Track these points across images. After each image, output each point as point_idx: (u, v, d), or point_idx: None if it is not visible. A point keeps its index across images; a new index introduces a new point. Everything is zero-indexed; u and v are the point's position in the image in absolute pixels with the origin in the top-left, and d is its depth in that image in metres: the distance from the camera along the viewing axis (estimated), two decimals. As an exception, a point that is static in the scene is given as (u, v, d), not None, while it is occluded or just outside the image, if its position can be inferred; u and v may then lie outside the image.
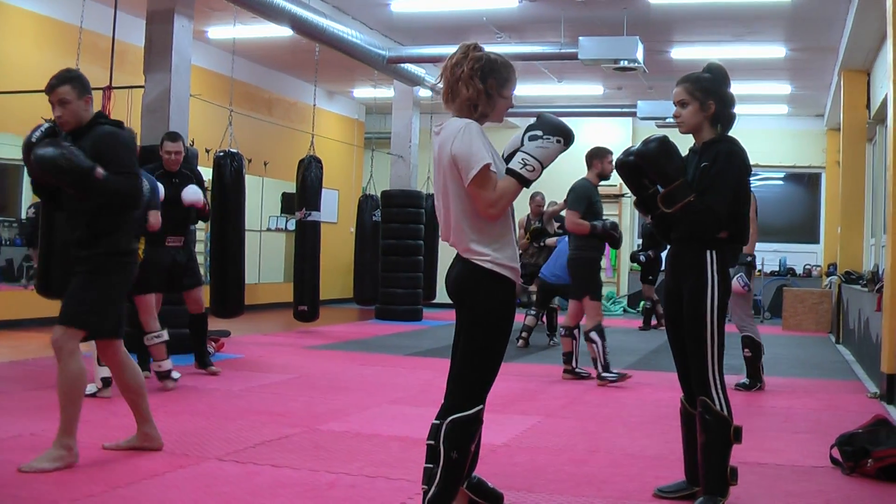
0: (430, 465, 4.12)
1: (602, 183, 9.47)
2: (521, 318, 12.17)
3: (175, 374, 8.45)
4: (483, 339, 4.18)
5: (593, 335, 9.40)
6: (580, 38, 13.78)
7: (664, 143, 4.85)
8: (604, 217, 9.49)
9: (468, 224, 4.18)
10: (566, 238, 10.28)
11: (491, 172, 4.07)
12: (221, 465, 5.63)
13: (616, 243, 9.55)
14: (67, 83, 5.52)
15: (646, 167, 4.82)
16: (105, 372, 7.90)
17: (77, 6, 11.01)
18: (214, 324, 9.90)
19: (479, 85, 4.17)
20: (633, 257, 17.00)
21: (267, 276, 19.91)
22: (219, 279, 11.01)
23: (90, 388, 7.91)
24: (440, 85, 4.32)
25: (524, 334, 12.98)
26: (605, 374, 9.47)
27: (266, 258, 20.04)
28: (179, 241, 8.96)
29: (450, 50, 4.29)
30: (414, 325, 16.48)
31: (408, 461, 5.76)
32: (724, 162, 4.81)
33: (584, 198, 9.38)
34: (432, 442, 4.13)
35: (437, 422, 4.15)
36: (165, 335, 8.42)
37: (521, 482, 5.45)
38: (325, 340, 13.39)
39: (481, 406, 4.17)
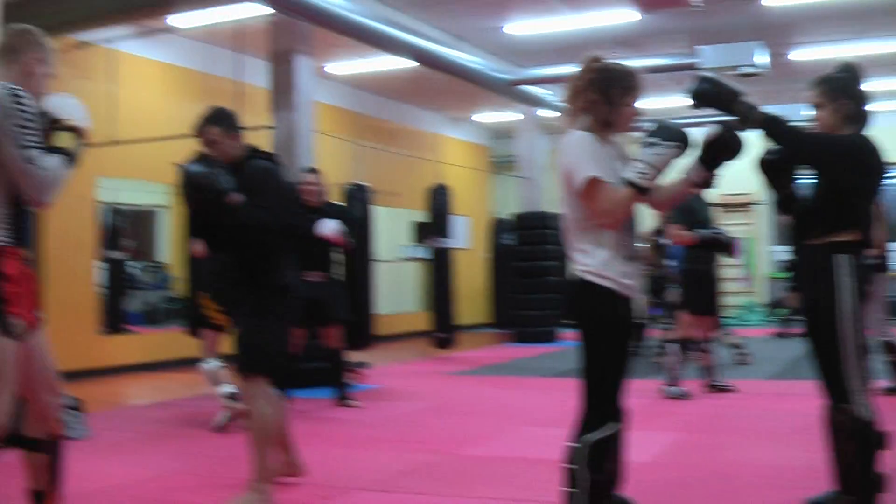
0: (570, 490, 4.06)
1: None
2: (655, 333, 12.06)
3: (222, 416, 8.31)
4: (592, 352, 4.12)
5: (673, 347, 9.38)
6: (700, 47, 13.65)
7: (708, 77, 4.64)
8: (714, 225, 9.32)
9: (576, 233, 4.17)
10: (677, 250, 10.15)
11: (601, 182, 4.02)
12: (366, 496, 5.66)
13: (725, 250, 9.33)
14: (215, 123, 5.53)
15: (708, 104, 4.56)
16: (230, 388, 8.09)
17: (199, 53, 11.30)
18: (350, 356, 9.98)
19: (595, 96, 4.15)
20: (783, 266, 16.67)
21: (402, 306, 20.01)
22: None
23: (223, 416, 8.14)
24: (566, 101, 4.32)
25: (659, 350, 12.84)
26: (668, 388, 9.43)
27: (400, 288, 20.16)
28: (320, 276, 9.02)
29: (571, 69, 4.28)
30: (550, 347, 16.41)
31: (551, 483, 5.70)
32: (825, 137, 4.76)
33: (685, 209, 9.22)
34: (568, 465, 4.08)
35: (574, 444, 4.09)
36: (219, 363, 8.42)
37: (668, 499, 5.38)
38: (462, 366, 13.42)
39: (613, 423, 4.11)
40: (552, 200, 18.74)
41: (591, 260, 4.11)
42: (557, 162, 4.18)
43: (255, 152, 5.66)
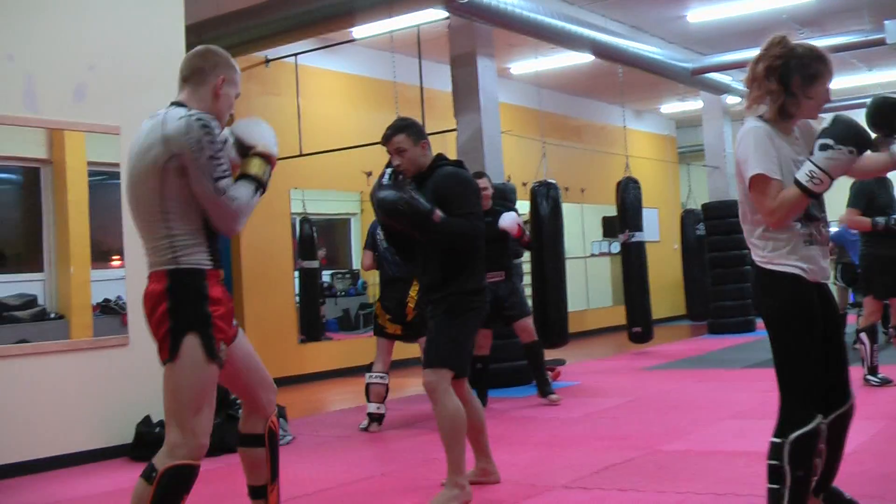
0: (776, 486, 3.91)
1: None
2: (853, 319, 11.70)
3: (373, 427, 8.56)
4: (776, 340, 4.02)
5: (863, 335, 9.02)
6: (886, 21, 13.20)
7: (878, 97, 4.40)
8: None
9: (748, 222, 4.06)
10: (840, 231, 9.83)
11: (769, 180, 3.84)
12: (568, 493, 5.66)
13: None
14: (402, 132, 5.59)
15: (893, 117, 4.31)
16: (372, 408, 8.41)
17: (381, 61, 11.44)
18: (545, 353, 9.98)
19: (773, 85, 3.93)
20: None
21: (595, 302, 19.94)
22: (540, 309, 11.10)
23: (362, 423, 8.52)
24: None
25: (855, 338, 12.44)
26: (868, 377, 9.04)
27: (592, 284, 20.08)
28: (500, 275, 9.02)
29: (753, 53, 4.10)
30: (747, 337, 16.06)
31: (754, 477, 5.60)
32: None
33: (863, 194, 8.85)
34: (775, 462, 3.92)
35: (777, 440, 3.93)
36: (386, 379, 8.64)
37: (876, 490, 5.22)
38: (659, 360, 13.28)
39: (818, 415, 3.93)
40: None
41: (765, 249, 4.00)
42: (735, 153, 4.08)
43: (442, 159, 5.74)
